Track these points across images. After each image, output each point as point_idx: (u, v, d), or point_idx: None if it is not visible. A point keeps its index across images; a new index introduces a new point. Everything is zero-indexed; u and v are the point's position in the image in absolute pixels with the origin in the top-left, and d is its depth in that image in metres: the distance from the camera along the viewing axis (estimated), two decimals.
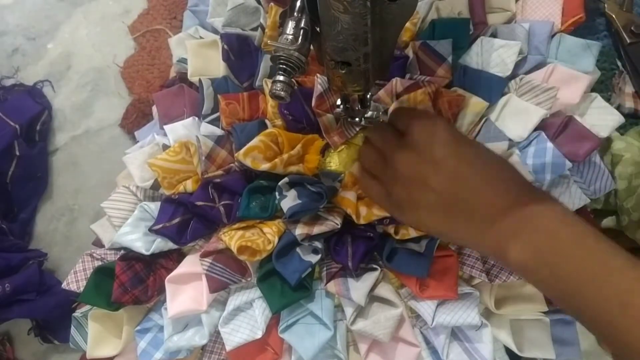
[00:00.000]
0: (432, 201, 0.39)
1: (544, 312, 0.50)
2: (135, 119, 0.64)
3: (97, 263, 0.54)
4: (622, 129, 0.55)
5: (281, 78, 0.34)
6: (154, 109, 0.61)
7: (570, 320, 0.51)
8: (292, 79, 0.35)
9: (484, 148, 0.41)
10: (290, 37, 0.33)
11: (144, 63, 0.66)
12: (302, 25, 0.33)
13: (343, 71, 0.37)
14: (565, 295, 0.34)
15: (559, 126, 0.51)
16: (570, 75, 0.52)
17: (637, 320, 0.30)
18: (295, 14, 0.33)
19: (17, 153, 0.61)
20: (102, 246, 0.56)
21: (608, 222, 0.55)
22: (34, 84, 0.67)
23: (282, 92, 0.34)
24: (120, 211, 0.55)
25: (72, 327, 0.54)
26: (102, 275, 0.51)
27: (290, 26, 0.33)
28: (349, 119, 0.52)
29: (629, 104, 0.55)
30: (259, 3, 0.60)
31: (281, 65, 0.34)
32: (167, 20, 0.67)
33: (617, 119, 0.53)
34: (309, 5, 0.33)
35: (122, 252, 0.54)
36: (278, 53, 0.34)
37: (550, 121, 0.53)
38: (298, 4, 0.33)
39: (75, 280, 0.53)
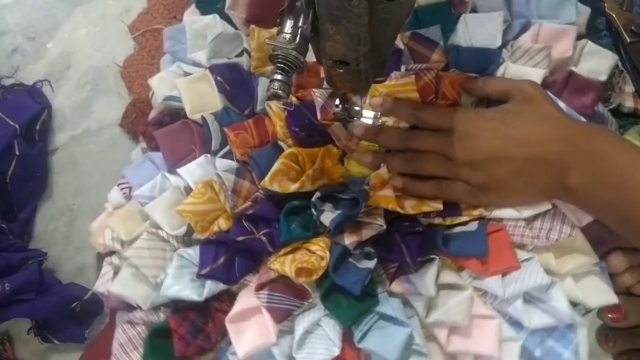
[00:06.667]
0: (508, 170, 0.45)
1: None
2: (134, 119, 0.64)
3: (140, 328, 0.51)
4: (622, 129, 0.55)
5: (279, 77, 0.34)
6: (141, 146, 0.60)
7: None
8: (290, 78, 0.35)
9: (519, 109, 0.46)
10: (288, 36, 0.33)
11: (144, 62, 0.66)
12: (300, 24, 0.33)
13: (341, 70, 0.37)
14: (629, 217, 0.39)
15: (561, 82, 0.52)
16: (556, 31, 0.52)
17: None
18: (293, 13, 0.33)
19: (17, 153, 0.60)
20: (131, 307, 0.52)
21: None
22: (34, 84, 0.67)
23: (279, 91, 0.34)
24: (150, 259, 0.52)
25: None
26: (156, 338, 0.49)
27: (288, 25, 0.33)
28: (348, 119, 0.52)
29: (629, 103, 0.55)
30: (236, 28, 0.59)
31: (279, 64, 0.34)
32: (167, 20, 0.67)
33: (612, 59, 0.54)
34: (307, 5, 0.33)
35: (162, 308, 0.52)
36: (276, 52, 0.34)
37: (551, 79, 0.53)
38: (296, 3, 0.33)
39: (123, 353, 0.49)
